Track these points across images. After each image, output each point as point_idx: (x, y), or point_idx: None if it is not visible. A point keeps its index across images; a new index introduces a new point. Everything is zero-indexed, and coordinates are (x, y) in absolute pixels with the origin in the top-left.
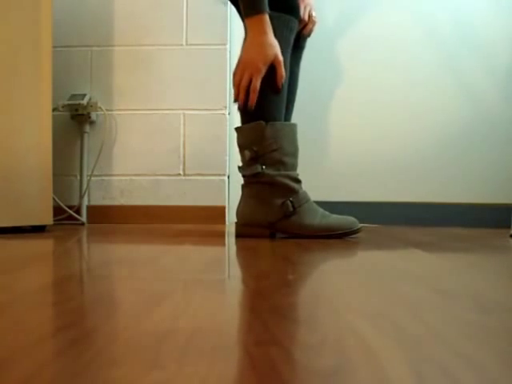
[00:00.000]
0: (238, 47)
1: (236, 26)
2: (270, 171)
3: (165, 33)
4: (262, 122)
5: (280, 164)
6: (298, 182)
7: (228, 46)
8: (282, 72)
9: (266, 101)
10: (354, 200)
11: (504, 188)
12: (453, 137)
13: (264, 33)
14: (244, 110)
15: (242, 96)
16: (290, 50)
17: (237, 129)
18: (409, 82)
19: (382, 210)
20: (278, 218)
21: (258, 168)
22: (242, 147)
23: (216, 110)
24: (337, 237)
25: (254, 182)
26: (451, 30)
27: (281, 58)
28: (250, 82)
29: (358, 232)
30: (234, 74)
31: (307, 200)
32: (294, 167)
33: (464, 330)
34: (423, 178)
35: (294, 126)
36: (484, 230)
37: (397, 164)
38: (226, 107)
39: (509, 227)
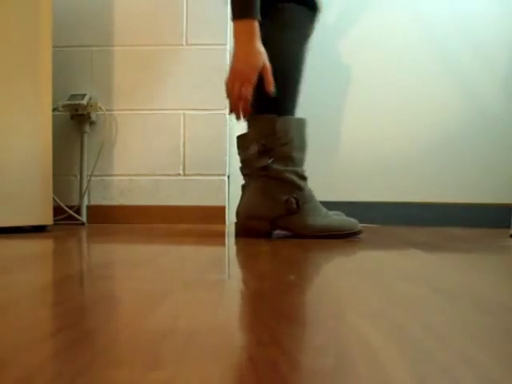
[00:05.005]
0: None
1: None
2: (278, 166)
3: (165, 33)
4: (275, 116)
5: (289, 159)
6: (304, 179)
7: (228, 46)
8: (270, 79)
9: (279, 93)
10: (353, 200)
11: (504, 188)
12: (452, 137)
13: (252, 40)
14: (253, 106)
15: (233, 106)
16: (307, 44)
17: (250, 119)
18: (407, 83)
19: (382, 210)
20: (280, 213)
21: (267, 161)
22: (251, 139)
23: (216, 110)
24: (337, 237)
25: (261, 175)
26: (451, 31)
27: (268, 65)
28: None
29: (358, 234)
30: (226, 84)
31: (312, 198)
32: (301, 162)
33: (464, 330)
34: (423, 178)
35: (305, 120)
36: (484, 230)
37: (396, 164)
38: (225, 107)
39: (509, 227)
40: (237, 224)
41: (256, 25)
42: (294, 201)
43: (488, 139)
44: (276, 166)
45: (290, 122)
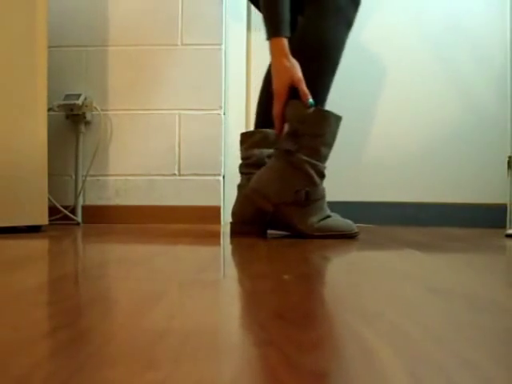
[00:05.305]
0: (233, 47)
1: (231, 26)
2: (302, 155)
3: (160, 33)
4: (315, 106)
5: (315, 152)
6: (322, 176)
7: (223, 46)
8: (305, 90)
9: (318, 84)
10: (351, 200)
11: (499, 188)
12: (448, 137)
13: (280, 57)
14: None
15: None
16: (349, 31)
17: (290, 102)
18: (404, 83)
19: (379, 210)
20: (286, 201)
21: (293, 146)
22: (287, 119)
23: (211, 110)
24: (334, 238)
25: (283, 158)
26: (448, 31)
27: (298, 77)
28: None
29: (355, 235)
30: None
31: (322, 197)
32: (326, 158)
33: (460, 330)
34: (418, 178)
35: (341, 118)
36: (479, 230)
37: (391, 164)
38: (221, 107)
39: (504, 227)
40: (247, 192)
41: (283, 42)
42: (303, 194)
43: (483, 139)
44: (300, 155)
45: (328, 116)
